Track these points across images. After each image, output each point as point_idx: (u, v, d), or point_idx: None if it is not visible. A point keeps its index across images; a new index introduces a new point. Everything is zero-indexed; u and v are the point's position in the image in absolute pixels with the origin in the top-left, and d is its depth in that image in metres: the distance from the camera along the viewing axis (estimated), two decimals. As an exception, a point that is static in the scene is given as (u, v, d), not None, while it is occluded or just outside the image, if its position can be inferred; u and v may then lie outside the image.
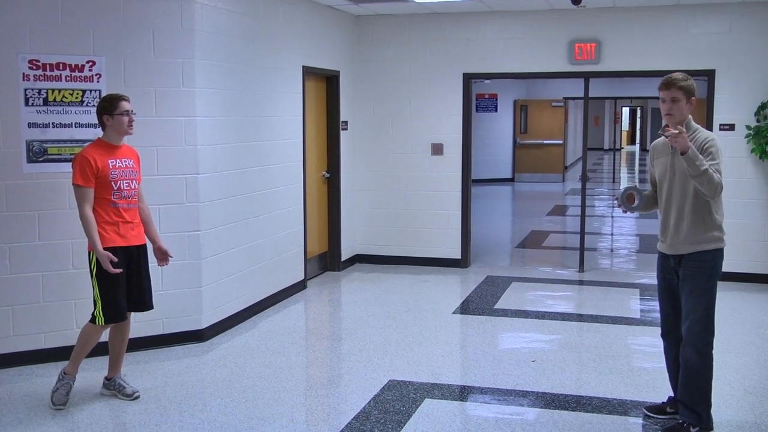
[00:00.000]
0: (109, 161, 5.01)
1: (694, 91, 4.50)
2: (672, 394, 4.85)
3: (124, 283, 5.09)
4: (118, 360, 5.34)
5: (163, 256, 5.40)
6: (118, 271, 4.95)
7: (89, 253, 5.02)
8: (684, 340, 4.54)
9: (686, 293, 4.52)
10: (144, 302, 5.29)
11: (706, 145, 4.40)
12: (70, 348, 5.35)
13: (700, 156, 4.30)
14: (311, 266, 8.93)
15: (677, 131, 4.23)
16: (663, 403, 4.93)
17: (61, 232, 5.84)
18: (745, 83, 8.57)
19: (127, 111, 5.09)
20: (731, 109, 8.63)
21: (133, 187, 5.14)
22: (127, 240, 5.09)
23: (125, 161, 5.12)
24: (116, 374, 5.32)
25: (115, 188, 5.02)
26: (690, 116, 4.54)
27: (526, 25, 9.22)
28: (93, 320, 5.08)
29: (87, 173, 4.92)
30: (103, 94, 5.86)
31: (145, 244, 5.28)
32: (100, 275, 4.98)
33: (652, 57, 8.85)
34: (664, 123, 4.57)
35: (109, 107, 5.05)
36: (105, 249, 4.92)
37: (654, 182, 4.78)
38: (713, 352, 4.55)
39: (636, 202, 4.77)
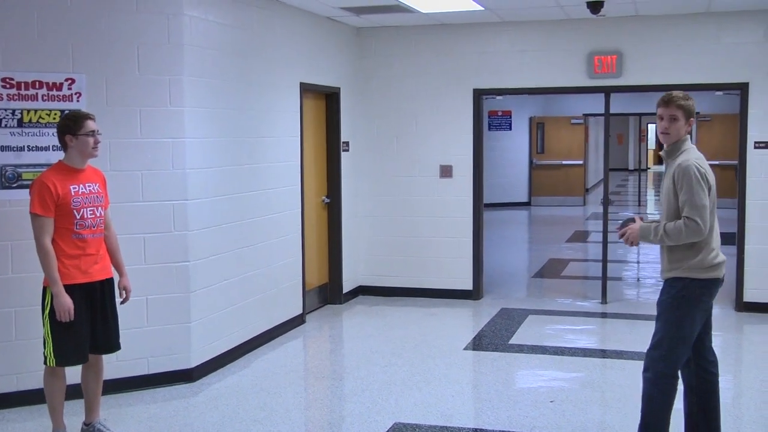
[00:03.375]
0: (71, 187, 4.89)
1: (694, 112, 4.60)
2: None
3: (82, 323, 4.95)
4: (93, 403, 5.26)
5: (125, 294, 5.28)
6: (70, 319, 4.85)
7: (44, 288, 4.94)
8: (644, 365, 4.60)
9: (656, 316, 4.63)
10: (110, 343, 5.18)
11: (678, 177, 4.46)
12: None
13: (651, 226, 4.53)
14: (310, 299, 8.90)
15: (624, 234, 4.62)
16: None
17: (37, 264, 5.72)
18: (782, 97, 8.58)
19: (93, 131, 4.96)
20: (767, 124, 8.61)
21: (98, 214, 5.02)
22: (89, 276, 4.98)
23: (89, 186, 5.00)
24: (95, 419, 5.27)
25: (78, 217, 4.90)
26: (688, 137, 4.64)
27: (541, 37, 9.25)
28: (45, 361, 4.98)
29: (46, 201, 4.80)
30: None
31: (111, 278, 5.18)
32: (54, 316, 4.87)
33: (680, 70, 8.86)
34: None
35: (72, 126, 4.93)
36: (64, 286, 4.82)
37: None
38: (671, 388, 4.50)
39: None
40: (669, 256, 4.55)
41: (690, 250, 4.46)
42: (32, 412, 5.63)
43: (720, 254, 4.54)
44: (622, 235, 4.63)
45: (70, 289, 4.86)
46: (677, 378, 4.51)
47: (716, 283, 4.53)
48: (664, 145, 4.68)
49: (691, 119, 4.58)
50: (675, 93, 4.59)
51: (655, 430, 4.53)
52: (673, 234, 4.40)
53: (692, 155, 4.51)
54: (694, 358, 4.66)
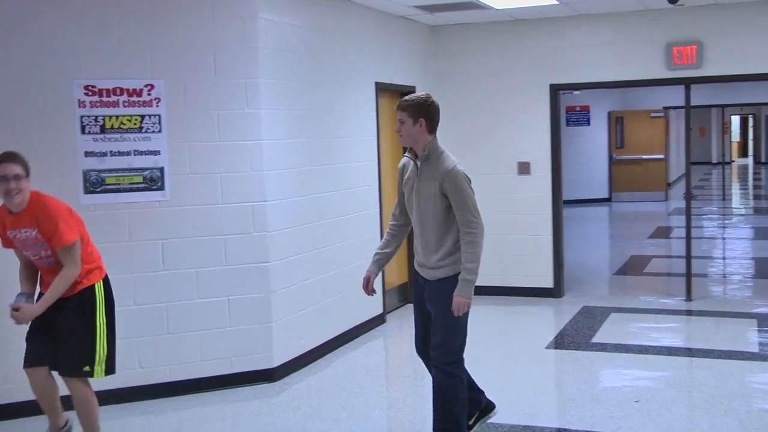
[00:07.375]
0: (8, 232, 4.70)
1: (426, 113, 4.72)
2: None
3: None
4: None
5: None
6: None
7: (92, 289, 4.87)
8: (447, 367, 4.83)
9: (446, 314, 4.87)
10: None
11: (449, 186, 4.65)
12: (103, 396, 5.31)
13: (465, 267, 4.83)
14: (390, 298, 8.89)
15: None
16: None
17: (122, 266, 5.93)
18: None
19: (5, 176, 4.47)
20: None
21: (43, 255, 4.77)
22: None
23: (25, 232, 4.67)
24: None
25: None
26: (435, 139, 4.79)
27: (617, 29, 9.07)
28: (91, 374, 4.81)
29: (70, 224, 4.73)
30: (164, 119, 5.99)
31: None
32: (111, 318, 4.90)
33: (763, 58, 8.58)
34: None
35: None
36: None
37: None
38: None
39: None
40: (442, 251, 4.90)
41: (457, 243, 4.82)
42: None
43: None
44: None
45: None
46: None
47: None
48: (417, 151, 4.76)
49: (422, 120, 4.66)
50: (407, 96, 4.75)
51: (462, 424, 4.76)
52: (475, 255, 4.84)
53: (450, 163, 4.70)
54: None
